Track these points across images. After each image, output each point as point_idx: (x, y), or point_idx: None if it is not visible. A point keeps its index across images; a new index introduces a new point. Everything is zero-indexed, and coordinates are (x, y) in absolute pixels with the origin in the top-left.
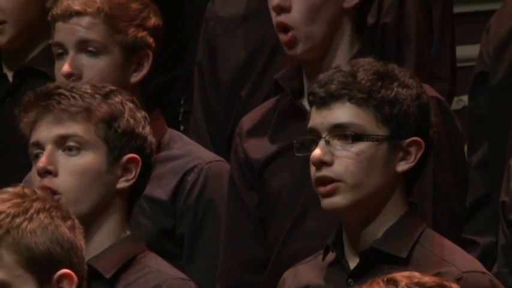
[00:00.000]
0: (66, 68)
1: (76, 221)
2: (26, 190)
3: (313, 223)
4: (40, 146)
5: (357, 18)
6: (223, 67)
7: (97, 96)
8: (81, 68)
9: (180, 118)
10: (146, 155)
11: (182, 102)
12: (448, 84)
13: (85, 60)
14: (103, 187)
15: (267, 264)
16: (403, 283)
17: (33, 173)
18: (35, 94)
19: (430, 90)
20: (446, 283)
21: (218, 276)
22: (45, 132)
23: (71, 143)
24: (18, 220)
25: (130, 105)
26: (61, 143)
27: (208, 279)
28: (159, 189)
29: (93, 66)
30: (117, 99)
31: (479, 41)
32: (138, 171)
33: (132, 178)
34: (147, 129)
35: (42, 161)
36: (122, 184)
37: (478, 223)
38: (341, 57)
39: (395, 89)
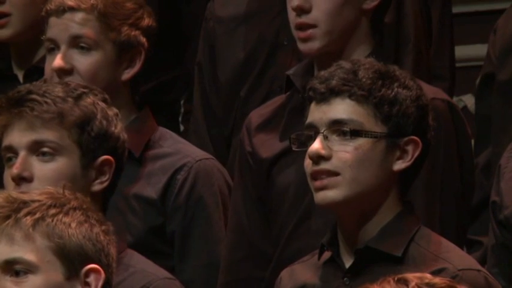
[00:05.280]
0: (57, 62)
1: (111, 228)
2: (66, 191)
3: (318, 222)
4: (13, 150)
5: (373, 18)
6: (223, 67)
7: (69, 99)
8: (73, 63)
9: (180, 118)
10: (119, 155)
11: (182, 102)
12: (447, 84)
13: (77, 55)
14: (78, 192)
15: (272, 260)
16: (414, 283)
17: (5, 176)
18: (7, 99)
19: (441, 94)
20: (457, 285)
21: (221, 270)
22: (18, 137)
23: (45, 149)
24: (53, 210)
25: (103, 104)
26: (35, 148)
27: (200, 277)
28: (149, 188)
29: (84, 61)
30: (89, 100)
31: (480, 41)
32: (112, 172)
33: (106, 180)
34: (119, 127)
35: (16, 167)
36: (96, 187)
37: (482, 224)
38: (355, 56)
39: (396, 89)
